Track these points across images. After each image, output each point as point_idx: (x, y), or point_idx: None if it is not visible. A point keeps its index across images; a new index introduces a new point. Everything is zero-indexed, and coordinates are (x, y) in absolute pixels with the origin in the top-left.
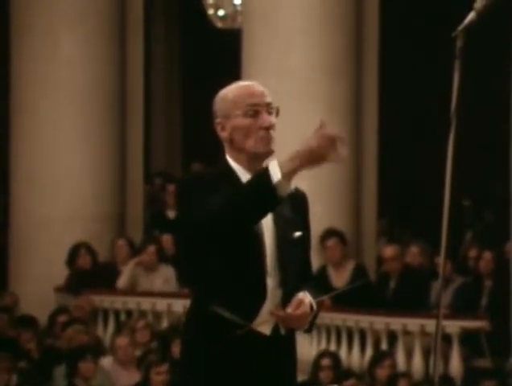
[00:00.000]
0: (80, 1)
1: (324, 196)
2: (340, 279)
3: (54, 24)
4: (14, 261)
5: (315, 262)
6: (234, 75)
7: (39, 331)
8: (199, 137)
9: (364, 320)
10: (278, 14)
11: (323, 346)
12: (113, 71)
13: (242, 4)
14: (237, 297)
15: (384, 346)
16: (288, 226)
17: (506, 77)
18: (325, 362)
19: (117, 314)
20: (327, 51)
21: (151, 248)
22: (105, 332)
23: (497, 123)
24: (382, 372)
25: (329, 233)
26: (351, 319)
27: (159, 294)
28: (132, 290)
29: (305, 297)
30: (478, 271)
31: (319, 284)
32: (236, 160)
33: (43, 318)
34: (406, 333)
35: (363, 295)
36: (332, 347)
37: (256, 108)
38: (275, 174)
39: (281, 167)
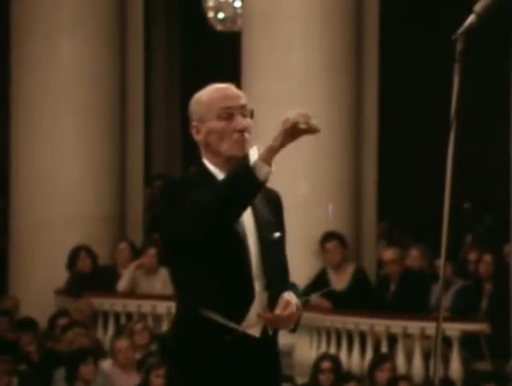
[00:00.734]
0: (80, 4)
1: (323, 199)
2: (340, 282)
3: (54, 27)
4: (14, 264)
5: (316, 265)
6: (234, 76)
7: (39, 334)
8: None
9: (364, 323)
10: (277, 17)
11: (323, 348)
12: (113, 73)
13: (242, 7)
14: (225, 301)
15: (384, 349)
16: (269, 228)
17: (506, 79)
18: (325, 365)
19: (117, 316)
20: (326, 52)
21: (151, 251)
22: (105, 335)
23: (497, 125)
24: (382, 375)
25: (329, 236)
26: (351, 322)
27: (159, 297)
28: (132, 293)
29: (291, 297)
30: (478, 274)
31: (294, 286)
32: (212, 163)
33: (43, 321)
34: (407, 336)
35: (363, 298)
36: (333, 350)
37: (230, 111)
38: (253, 156)
39: (259, 150)
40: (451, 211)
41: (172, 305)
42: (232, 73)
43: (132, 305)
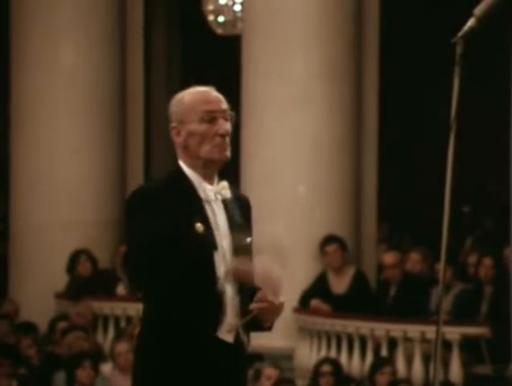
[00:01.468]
0: (80, 5)
1: (323, 202)
2: (340, 285)
3: (54, 29)
4: (14, 268)
5: (316, 268)
6: (234, 77)
7: (39, 338)
8: None
9: (364, 326)
10: (277, 21)
11: (323, 352)
12: (113, 75)
13: (242, 10)
14: (198, 307)
15: (384, 352)
16: (242, 232)
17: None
18: (325, 368)
19: (117, 320)
20: (326, 54)
21: None
22: (105, 338)
23: (498, 129)
24: (383, 379)
25: (329, 239)
26: (351, 326)
27: None
28: (132, 297)
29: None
30: (478, 277)
31: None
32: (190, 166)
33: (43, 324)
34: (407, 339)
35: (363, 302)
36: (333, 354)
37: (212, 115)
38: (225, 190)
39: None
40: (450, 215)
41: None
42: (232, 74)
43: (132, 308)
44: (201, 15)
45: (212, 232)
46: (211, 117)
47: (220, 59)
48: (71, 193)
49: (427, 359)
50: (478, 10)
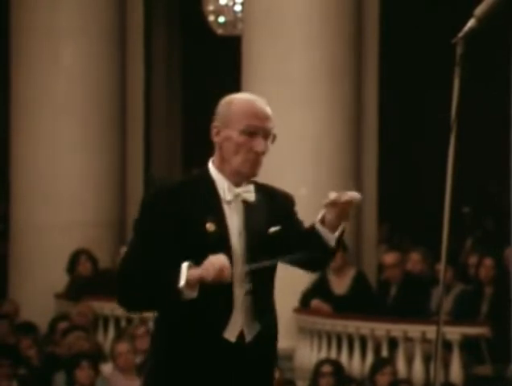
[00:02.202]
0: (80, 8)
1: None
2: (340, 285)
3: (54, 29)
4: (14, 268)
5: None
6: (234, 78)
7: (39, 338)
8: (199, 141)
9: (365, 327)
10: (278, 21)
11: (323, 352)
12: (113, 77)
13: (243, 11)
14: (204, 308)
15: (385, 352)
16: (259, 230)
17: (506, 81)
18: (326, 368)
19: (117, 320)
20: (327, 55)
21: None
22: (106, 339)
23: (497, 129)
24: (383, 379)
25: None
26: (352, 326)
27: None
28: None
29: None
30: (478, 278)
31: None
32: (219, 168)
33: (43, 325)
34: (407, 339)
35: (364, 302)
36: (333, 354)
37: (254, 130)
38: (183, 277)
39: (188, 274)
40: (451, 215)
41: None
42: (232, 75)
43: None
44: (201, 16)
45: (225, 231)
46: (252, 132)
47: (220, 60)
48: (71, 193)
49: (427, 360)
50: (479, 10)
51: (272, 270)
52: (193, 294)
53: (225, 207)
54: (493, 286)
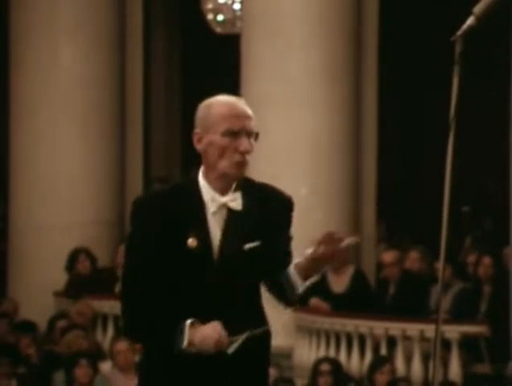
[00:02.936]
0: (80, 7)
1: (323, 201)
2: (339, 284)
3: (53, 29)
4: (13, 267)
5: None
6: (233, 77)
7: (38, 337)
8: None
9: (363, 325)
10: (277, 20)
11: (322, 351)
12: (112, 76)
13: (242, 9)
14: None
15: (383, 351)
16: (236, 245)
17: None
18: (324, 367)
19: (116, 319)
20: (326, 54)
21: None
22: (105, 337)
23: (496, 127)
24: (382, 377)
25: None
26: (350, 324)
27: None
28: None
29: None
30: (477, 276)
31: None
32: (204, 175)
33: (42, 323)
34: (406, 338)
35: (363, 300)
36: (332, 353)
37: (237, 131)
38: (185, 338)
39: (189, 338)
40: (450, 214)
41: None
42: (231, 74)
43: None
44: (201, 14)
45: (208, 246)
46: (235, 133)
47: (219, 60)
48: (70, 193)
49: (426, 358)
50: (478, 8)
51: (252, 286)
52: (193, 350)
53: (210, 219)
54: (491, 285)
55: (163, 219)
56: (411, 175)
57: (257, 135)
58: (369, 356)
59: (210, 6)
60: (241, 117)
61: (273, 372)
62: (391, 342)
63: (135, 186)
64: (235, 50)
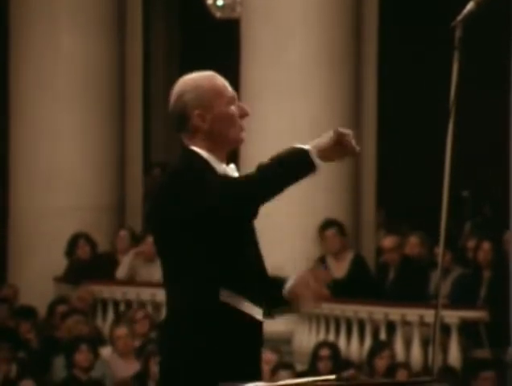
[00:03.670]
0: None
1: (323, 187)
2: (339, 269)
3: (53, 17)
4: (13, 252)
5: (315, 252)
6: (233, 64)
7: (38, 322)
8: None
9: (363, 310)
10: (277, 5)
11: (322, 336)
12: (112, 63)
13: None
14: (250, 286)
15: (383, 336)
16: None
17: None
18: (324, 352)
19: (116, 304)
20: (326, 42)
21: (151, 239)
22: (105, 322)
23: (496, 113)
24: (381, 362)
25: (328, 224)
26: (350, 310)
27: (159, 285)
28: (131, 281)
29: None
30: (477, 261)
31: None
32: (210, 150)
33: (42, 308)
34: (405, 323)
35: (362, 286)
36: (331, 338)
37: (236, 97)
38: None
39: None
40: (450, 199)
41: None
42: (231, 61)
43: (131, 292)
44: (200, 0)
45: None
46: (234, 99)
47: (219, 45)
48: (70, 178)
49: (425, 343)
50: None
51: None
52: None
53: None
54: (491, 270)
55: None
56: (411, 160)
57: None
58: (368, 341)
59: None
60: (227, 84)
61: (273, 357)
62: (391, 327)
63: (135, 172)
64: (235, 37)
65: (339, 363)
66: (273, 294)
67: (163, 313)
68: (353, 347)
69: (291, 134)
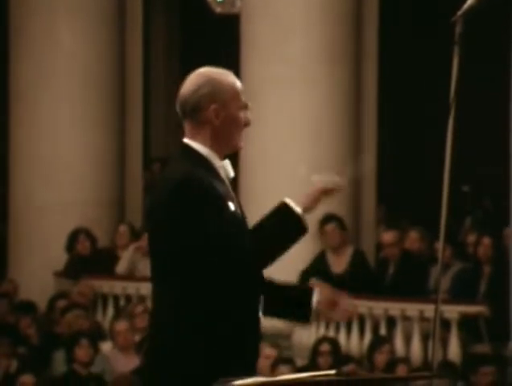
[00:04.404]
0: None
1: None
2: (339, 264)
3: (53, 11)
4: (13, 247)
5: (315, 247)
6: (233, 58)
7: (38, 317)
8: None
9: (363, 305)
10: (277, 0)
11: (322, 331)
12: (111, 58)
13: None
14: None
15: (383, 331)
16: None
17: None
18: (324, 347)
19: (116, 299)
20: (326, 37)
21: None
22: (105, 317)
23: (496, 108)
24: (381, 357)
25: (328, 218)
26: (350, 305)
27: None
28: (131, 275)
29: None
30: (477, 256)
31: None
32: (211, 146)
33: (42, 303)
34: (405, 318)
35: (362, 281)
36: (331, 333)
37: (247, 106)
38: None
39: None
40: (450, 194)
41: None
42: (231, 56)
43: (131, 287)
44: None
45: (240, 209)
46: (246, 108)
47: (219, 40)
48: (70, 173)
49: (425, 338)
50: None
51: None
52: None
53: (228, 185)
54: (491, 265)
55: (219, 196)
56: (411, 155)
57: None
58: (368, 336)
59: None
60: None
61: (273, 352)
62: (391, 322)
63: (135, 167)
64: (235, 32)
65: (339, 358)
66: (300, 306)
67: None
68: (353, 342)
69: (291, 130)
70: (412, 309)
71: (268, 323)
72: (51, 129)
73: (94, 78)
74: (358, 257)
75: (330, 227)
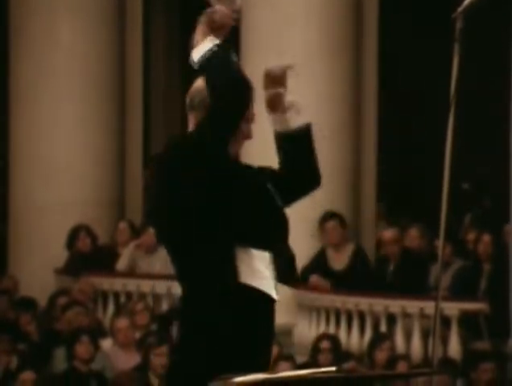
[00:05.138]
0: None
1: (323, 179)
2: (339, 261)
3: (53, 9)
4: (13, 247)
5: (315, 245)
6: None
7: (38, 314)
8: None
9: (363, 302)
10: None
11: (322, 328)
12: (112, 56)
13: None
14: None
15: (383, 328)
16: None
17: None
18: (324, 344)
19: (116, 296)
20: (327, 29)
21: (151, 231)
22: (105, 314)
23: (497, 106)
24: (381, 355)
25: (329, 216)
26: (350, 302)
27: (159, 277)
28: (132, 272)
29: None
30: (477, 254)
31: None
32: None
33: (42, 300)
34: (406, 315)
35: (363, 278)
36: (332, 330)
37: (254, 118)
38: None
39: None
40: (450, 192)
41: (172, 284)
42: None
43: (131, 284)
44: None
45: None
46: (252, 120)
47: None
48: (71, 172)
49: (425, 335)
50: None
51: None
52: None
53: None
54: (491, 262)
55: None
56: (412, 152)
57: None
58: (368, 333)
59: None
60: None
61: (273, 349)
62: (391, 319)
63: (135, 167)
64: (237, 29)
65: (339, 355)
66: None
67: (164, 304)
68: (354, 339)
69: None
70: (412, 306)
71: None
72: (51, 129)
73: (94, 78)
74: (359, 254)
75: (330, 224)
